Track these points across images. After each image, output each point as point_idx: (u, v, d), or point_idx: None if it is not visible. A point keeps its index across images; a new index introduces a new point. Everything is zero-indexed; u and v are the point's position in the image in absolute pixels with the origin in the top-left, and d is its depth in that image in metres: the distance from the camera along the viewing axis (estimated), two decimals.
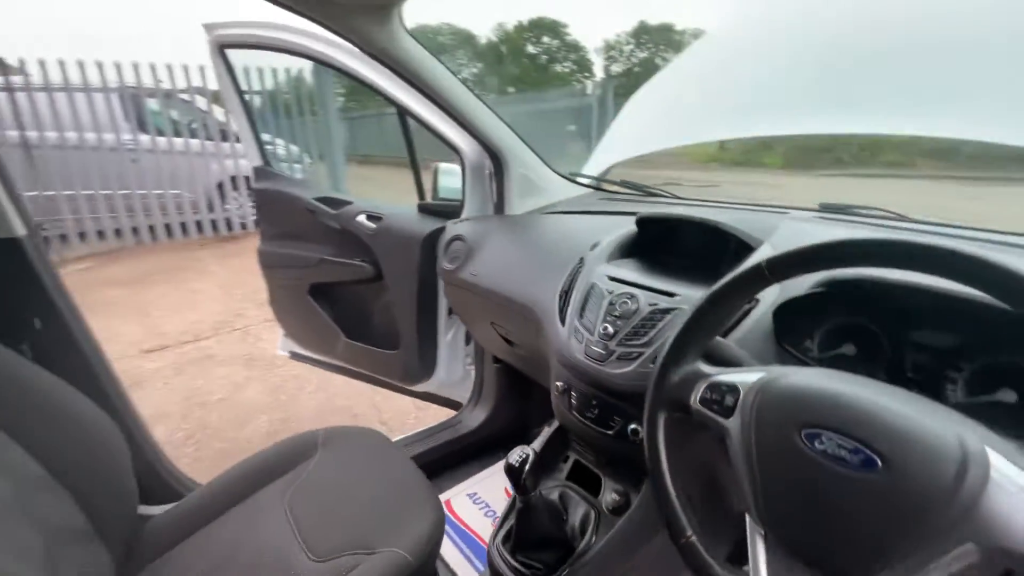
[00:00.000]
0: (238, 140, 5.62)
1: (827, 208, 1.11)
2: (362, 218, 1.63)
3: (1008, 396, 0.56)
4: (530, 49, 44.12)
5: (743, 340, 0.71)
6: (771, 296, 0.74)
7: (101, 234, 5.41)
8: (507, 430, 1.67)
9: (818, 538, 0.44)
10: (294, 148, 5.96)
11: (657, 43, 39.70)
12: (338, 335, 1.78)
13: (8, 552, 0.56)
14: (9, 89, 4.67)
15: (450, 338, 1.67)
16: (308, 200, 1.74)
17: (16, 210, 0.86)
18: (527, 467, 0.71)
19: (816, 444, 0.44)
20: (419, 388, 1.74)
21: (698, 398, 0.55)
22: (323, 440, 1.06)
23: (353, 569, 0.78)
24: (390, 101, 1.44)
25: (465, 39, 43.95)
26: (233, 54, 1.75)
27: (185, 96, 5.63)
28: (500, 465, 1.16)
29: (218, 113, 5.81)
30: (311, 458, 1.02)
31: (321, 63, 1.50)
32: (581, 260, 0.99)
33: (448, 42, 43.54)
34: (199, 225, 5.88)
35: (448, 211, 1.57)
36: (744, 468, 0.48)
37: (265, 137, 6.45)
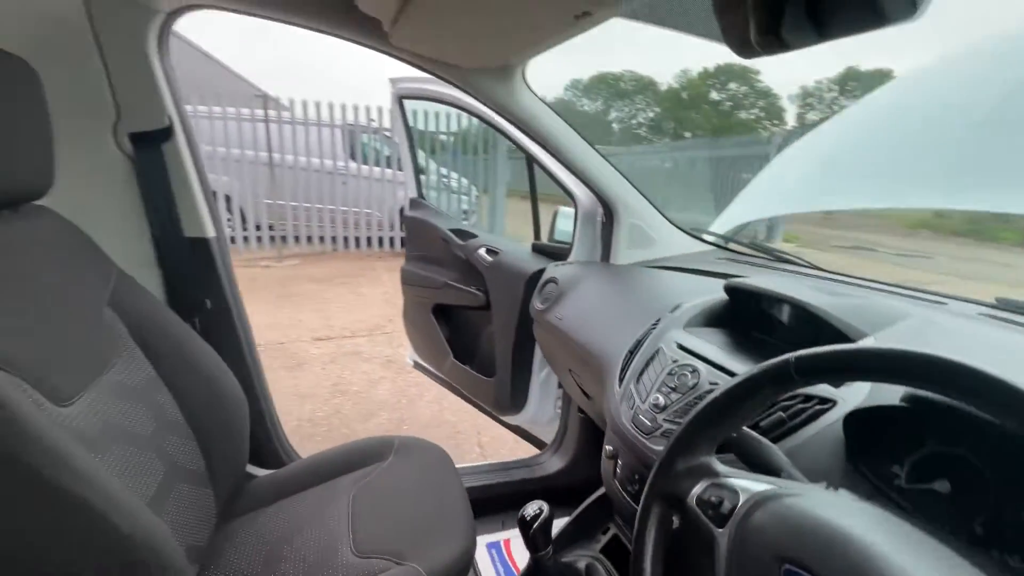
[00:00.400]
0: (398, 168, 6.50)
1: (1005, 304, 0.88)
2: (482, 251, 1.77)
3: None
4: (713, 95, 42.56)
5: (801, 447, 0.60)
6: (855, 400, 0.62)
7: (310, 239, 6.67)
8: (584, 483, 1.61)
9: None
10: (464, 181, 6.64)
11: (868, 90, 35.02)
12: (448, 354, 1.92)
13: (128, 474, 0.74)
14: (266, 120, 6.11)
15: (543, 377, 1.68)
16: (444, 230, 1.95)
17: (210, 217, 1.15)
18: (538, 523, 0.69)
19: None
20: (509, 420, 1.78)
21: (695, 496, 0.49)
22: (397, 447, 1.17)
23: (380, 573, 0.85)
24: (520, 148, 1.56)
25: (645, 85, 44.30)
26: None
27: (388, 133, 6.71)
28: (568, 518, 1.14)
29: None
30: (383, 461, 1.13)
31: (472, 114, 1.68)
32: (657, 321, 0.95)
33: (629, 88, 44.37)
34: (380, 240, 6.87)
35: (559, 253, 1.62)
36: None
37: (442, 171, 7.28)
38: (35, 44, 0.92)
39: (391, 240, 6.91)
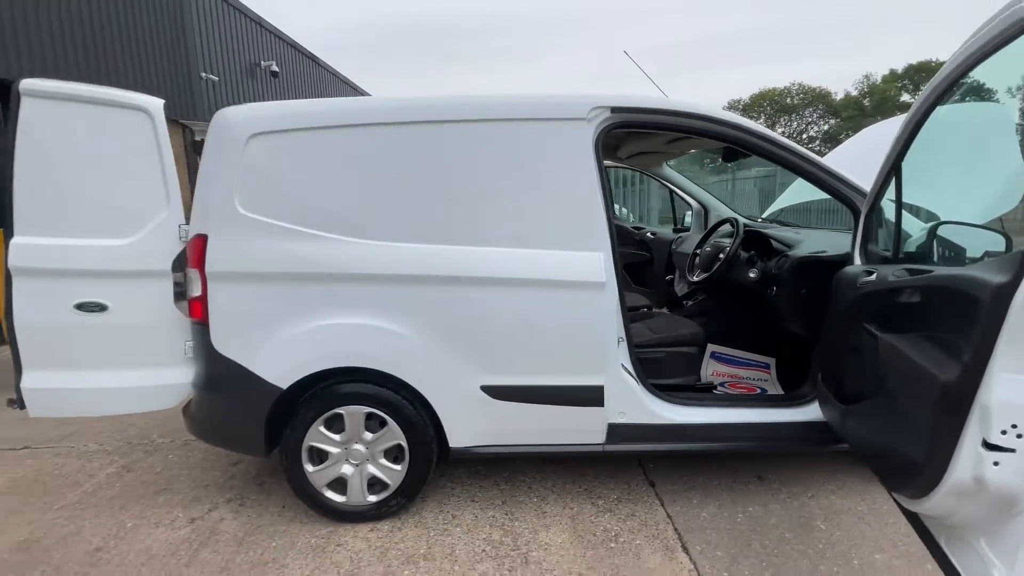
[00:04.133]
0: None
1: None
2: (648, 233, 3.87)
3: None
4: (905, 98, 38.12)
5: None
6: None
7: None
8: None
9: None
10: (624, 210, 8.80)
11: None
12: (631, 284, 4.03)
13: None
14: None
15: None
16: (627, 227, 4.10)
17: None
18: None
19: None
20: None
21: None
22: None
23: None
24: (663, 183, 3.65)
25: (816, 96, 41.63)
26: None
27: None
28: None
29: None
30: None
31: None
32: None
33: (796, 102, 42.15)
34: None
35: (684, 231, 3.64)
36: None
37: None
38: None
39: None
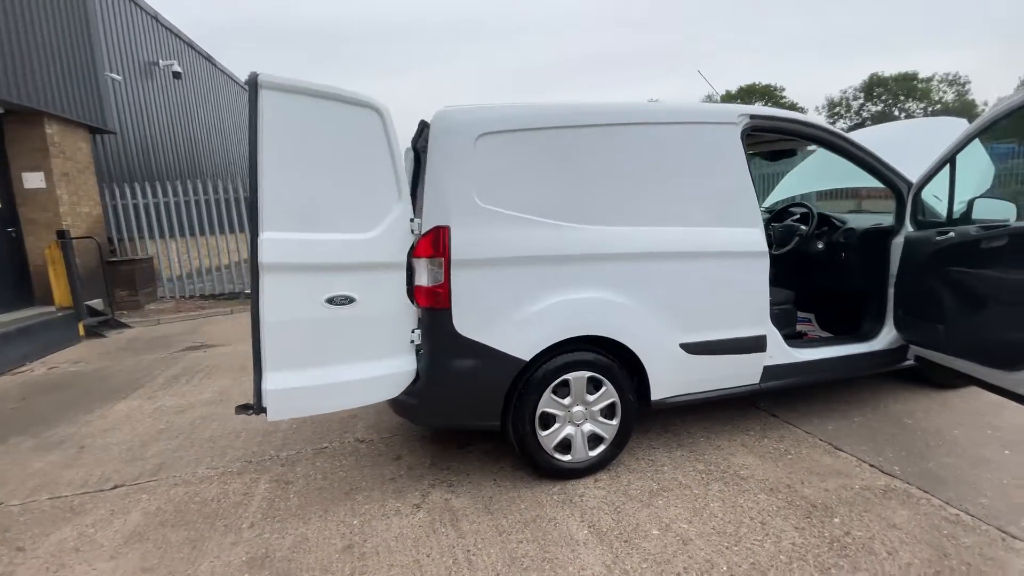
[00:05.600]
0: None
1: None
2: None
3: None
4: None
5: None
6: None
7: None
8: None
9: None
10: None
11: (895, 93, 36.72)
12: None
13: None
14: None
15: None
16: None
17: None
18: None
19: None
20: None
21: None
22: None
23: None
24: None
25: None
26: None
27: None
28: None
29: None
30: None
31: None
32: None
33: None
34: None
35: None
36: None
37: None
38: None
39: None
